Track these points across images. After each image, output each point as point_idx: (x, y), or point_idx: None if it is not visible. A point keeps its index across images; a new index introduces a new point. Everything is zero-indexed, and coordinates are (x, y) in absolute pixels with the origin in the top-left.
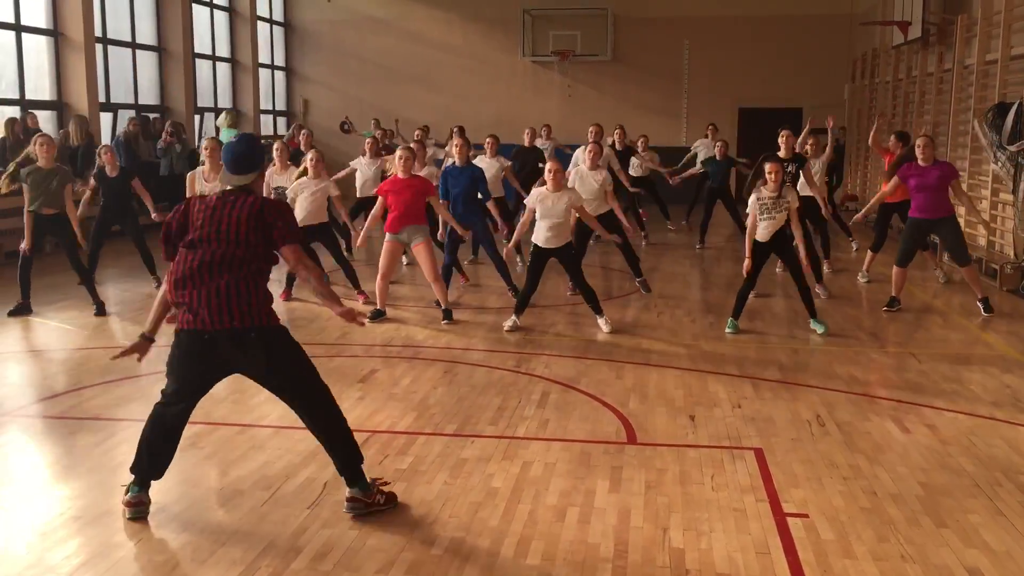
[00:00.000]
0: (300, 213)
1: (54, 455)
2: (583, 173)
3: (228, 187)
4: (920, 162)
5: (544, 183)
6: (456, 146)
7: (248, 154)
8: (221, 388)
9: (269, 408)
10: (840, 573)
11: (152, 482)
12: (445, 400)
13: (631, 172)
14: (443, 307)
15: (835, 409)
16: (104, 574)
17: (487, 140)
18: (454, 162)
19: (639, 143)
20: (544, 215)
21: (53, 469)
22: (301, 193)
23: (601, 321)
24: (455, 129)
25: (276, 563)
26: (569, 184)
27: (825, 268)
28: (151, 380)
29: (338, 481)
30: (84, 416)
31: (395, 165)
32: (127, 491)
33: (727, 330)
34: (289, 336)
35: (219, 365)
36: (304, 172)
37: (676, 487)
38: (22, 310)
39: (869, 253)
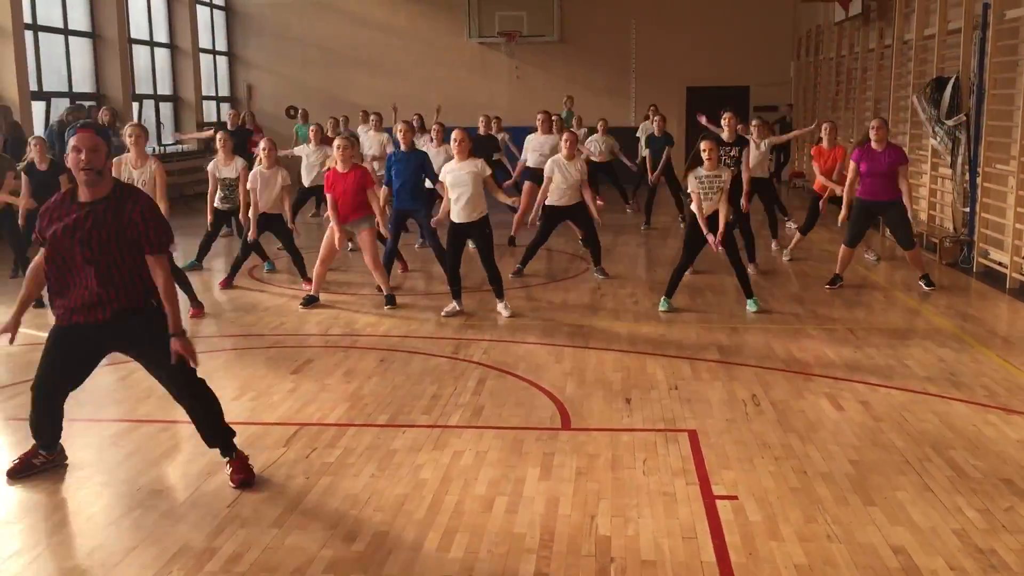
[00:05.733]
0: (261, 203)
1: None
2: (561, 163)
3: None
4: (874, 144)
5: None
6: (400, 131)
7: None
8: (147, 385)
9: None
10: (766, 555)
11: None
12: (379, 390)
13: (592, 158)
14: (385, 292)
15: (771, 388)
16: None
17: (433, 127)
18: (399, 147)
19: (599, 126)
20: (453, 185)
21: None
22: (257, 184)
23: (500, 306)
24: (417, 117)
25: (190, 565)
26: (546, 174)
27: (773, 247)
28: None
29: (258, 479)
30: None
31: (335, 155)
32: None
33: (660, 308)
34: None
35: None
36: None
37: (607, 473)
38: None
39: (797, 235)
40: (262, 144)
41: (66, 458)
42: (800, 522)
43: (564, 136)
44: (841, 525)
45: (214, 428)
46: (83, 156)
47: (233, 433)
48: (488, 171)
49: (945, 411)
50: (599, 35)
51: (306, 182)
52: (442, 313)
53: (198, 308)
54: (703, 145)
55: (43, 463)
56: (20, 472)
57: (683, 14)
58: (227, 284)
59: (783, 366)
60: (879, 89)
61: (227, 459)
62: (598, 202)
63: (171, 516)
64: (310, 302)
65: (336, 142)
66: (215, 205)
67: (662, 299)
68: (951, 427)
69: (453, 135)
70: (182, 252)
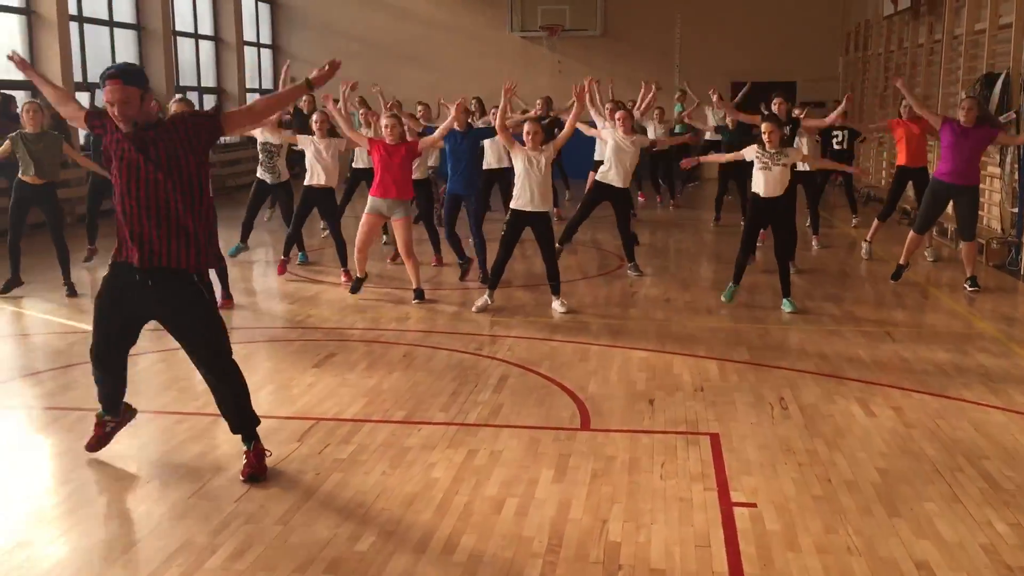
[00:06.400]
0: (312, 175)
1: None
2: (618, 136)
3: None
4: (963, 123)
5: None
6: (454, 115)
7: None
8: (166, 377)
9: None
10: (781, 568)
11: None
12: (399, 386)
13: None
14: (415, 286)
15: (800, 391)
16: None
17: (491, 110)
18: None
19: (655, 115)
20: (524, 173)
21: None
22: (308, 149)
23: (556, 303)
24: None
25: (190, 561)
26: (608, 153)
27: (814, 244)
28: None
29: (268, 474)
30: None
31: (384, 133)
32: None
33: (723, 298)
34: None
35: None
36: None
37: (623, 476)
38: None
39: (875, 221)
40: (315, 117)
41: (135, 412)
42: (820, 532)
43: (618, 114)
44: (863, 537)
45: (239, 412)
46: (116, 110)
47: (257, 422)
48: (552, 149)
49: (981, 419)
50: (642, 29)
51: (358, 163)
52: (473, 308)
53: (228, 299)
54: (764, 127)
55: (113, 428)
56: (101, 444)
57: (728, 7)
58: (283, 269)
59: (815, 368)
60: (928, 85)
61: (245, 449)
62: (639, 198)
63: (177, 510)
64: (357, 284)
65: (383, 122)
66: (258, 175)
67: (728, 286)
68: (986, 436)
69: (527, 127)
70: (224, 241)
